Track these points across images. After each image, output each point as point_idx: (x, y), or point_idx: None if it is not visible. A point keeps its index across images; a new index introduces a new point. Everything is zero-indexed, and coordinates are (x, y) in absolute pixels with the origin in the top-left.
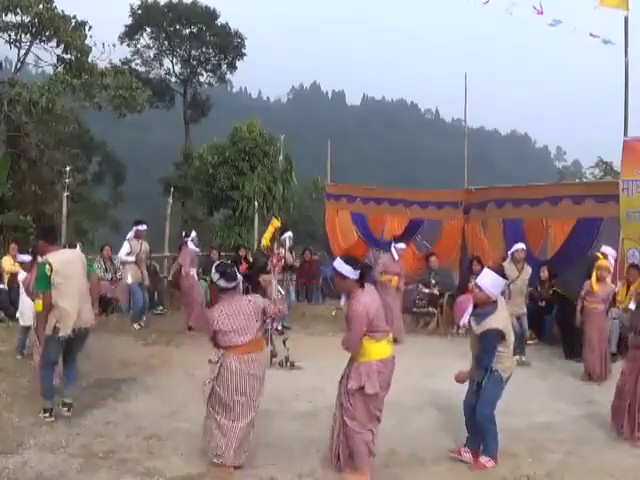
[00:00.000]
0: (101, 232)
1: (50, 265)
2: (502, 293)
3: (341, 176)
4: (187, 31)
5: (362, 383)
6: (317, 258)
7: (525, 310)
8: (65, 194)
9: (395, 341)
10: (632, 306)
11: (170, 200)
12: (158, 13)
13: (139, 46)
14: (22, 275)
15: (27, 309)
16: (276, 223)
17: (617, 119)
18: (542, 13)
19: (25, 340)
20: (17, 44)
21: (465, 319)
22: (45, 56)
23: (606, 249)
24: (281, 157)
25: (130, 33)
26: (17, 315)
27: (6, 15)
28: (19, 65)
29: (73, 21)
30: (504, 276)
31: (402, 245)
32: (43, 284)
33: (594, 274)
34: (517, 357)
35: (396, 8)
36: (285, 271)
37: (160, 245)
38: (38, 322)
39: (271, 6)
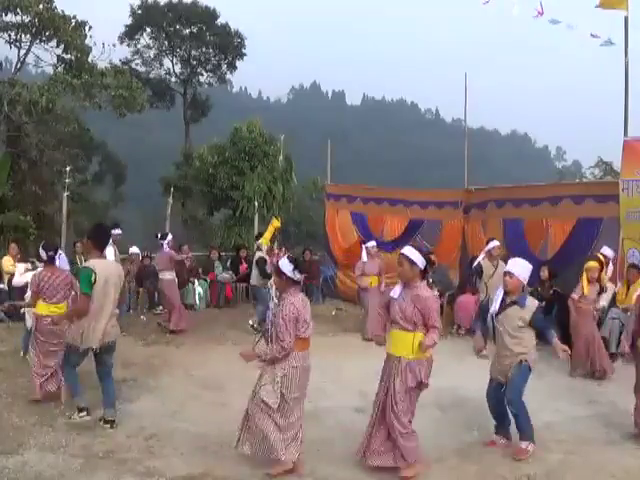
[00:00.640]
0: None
1: (95, 274)
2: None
3: (341, 176)
4: (187, 31)
5: (419, 379)
6: (317, 258)
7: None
8: (65, 194)
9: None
10: None
11: (170, 200)
12: (158, 13)
13: (139, 46)
14: (21, 276)
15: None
16: (276, 223)
17: (617, 119)
18: (542, 14)
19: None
20: (17, 44)
21: (496, 307)
22: (45, 56)
23: (605, 250)
24: (281, 157)
25: (130, 33)
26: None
27: (6, 15)
28: (19, 65)
29: (73, 21)
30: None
31: (373, 243)
32: (87, 287)
33: (584, 276)
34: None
35: (396, 8)
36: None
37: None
38: (66, 319)
39: (271, 6)
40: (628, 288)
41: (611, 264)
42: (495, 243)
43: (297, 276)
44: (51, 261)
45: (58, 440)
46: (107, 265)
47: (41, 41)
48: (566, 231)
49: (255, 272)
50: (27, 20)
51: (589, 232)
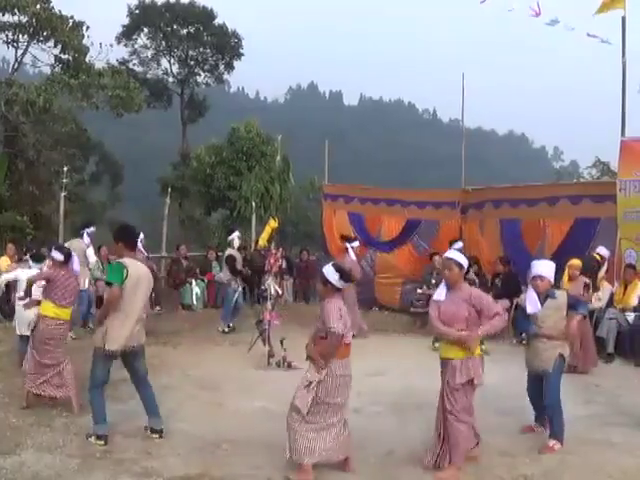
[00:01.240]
0: (98, 233)
1: (128, 272)
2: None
3: (338, 176)
4: (184, 31)
5: (472, 376)
6: (314, 258)
7: None
8: (62, 194)
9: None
10: None
11: (167, 200)
12: (155, 13)
13: (136, 46)
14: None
15: (24, 318)
16: (273, 223)
17: (615, 119)
18: (539, 14)
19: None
20: (14, 44)
21: (537, 307)
22: (42, 56)
23: (601, 250)
24: (278, 157)
25: (127, 33)
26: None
27: (3, 15)
28: (16, 65)
29: (70, 21)
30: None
31: (356, 243)
32: (118, 277)
33: (566, 272)
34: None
35: (394, 8)
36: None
37: (157, 246)
38: (102, 310)
39: (268, 6)
40: (625, 288)
41: (605, 264)
42: (459, 245)
43: (342, 284)
44: (67, 262)
45: (55, 440)
46: (139, 267)
47: (38, 41)
48: (563, 231)
49: (224, 269)
50: (24, 20)
51: (586, 232)
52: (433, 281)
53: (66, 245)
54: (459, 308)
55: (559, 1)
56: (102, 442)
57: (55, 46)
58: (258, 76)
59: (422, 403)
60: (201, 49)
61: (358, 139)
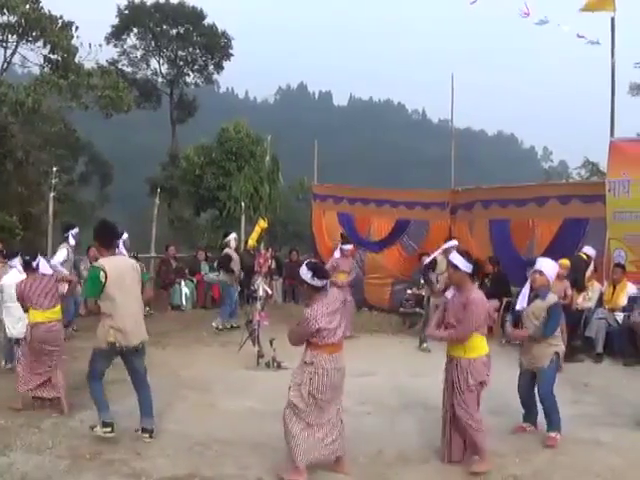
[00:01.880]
0: (87, 233)
1: (105, 272)
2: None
3: (328, 176)
4: (174, 31)
5: (483, 377)
6: (303, 259)
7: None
8: (51, 195)
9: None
10: None
11: (157, 201)
12: (145, 13)
13: (126, 46)
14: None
15: (15, 320)
16: (263, 224)
17: (603, 120)
18: (529, 14)
19: (12, 351)
20: (3, 44)
21: (524, 303)
22: (31, 56)
23: (588, 250)
24: (268, 158)
25: (117, 33)
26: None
27: None
28: (5, 65)
29: (60, 21)
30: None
31: (348, 247)
32: (94, 291)
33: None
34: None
35: (383, 8)
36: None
37: (146, 246)
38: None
39: (257, 7)
40: (614, 288)
41: (592, 264)
42: (454, 243)
43: (317, 282)
44: (28, 267)
45: (44, 441)
46: (119, 261)
47: (27, 41)
48: (552, 231)
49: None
50: (13, 20)
51: (575, 232)
52: (422, 281)
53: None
54: (458, 310)
55: (549, 2)
56: (109, 429)
57: (44, 46)
58: (248, 76)
59: (411, 403)
60: (190, 49)
61: (348, 139)
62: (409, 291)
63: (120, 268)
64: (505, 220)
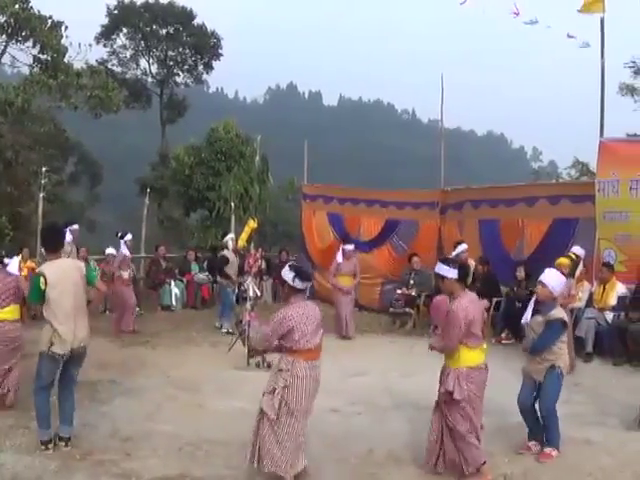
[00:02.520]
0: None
1: (45, 278)
2: None
3: (318, 176)
4: (164, 31)
5: (450, 388)
6: (293, 259)
7: None
8: (41, 195)
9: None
10: None
11: (146, 201)
12: (134, 13)
13: (115, 46)
14: None
15: None
16: (252, 224)
17: (593, 120)
18: (518, 14)
19: None
20: None
21: (528, 317)
22: (21, 56)
23: (577, 250)
24: (257, 158)
25: (106, 33)
26: None
27: None
28: None
29: (49, 21)
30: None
31: (351, 246)
32: (36, 296)
33: None
34: None
35: (373, 8)
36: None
37: (136, 246)
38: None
39: (247, 7)
40: (604, 288)
41: (581, 264)
42: (464, 247)
43: (298, 284)
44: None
45: (34, 442)
46: (60, 265)
47: (17, 41)
48: (542, 231)
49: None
50: (3, 20)
51: (565, 232)
52: (412, 282)
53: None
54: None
55: (539, 3)
56: (44, 447)
57: (34, 46)
58: (237, 76)
59: (401, 403)
60: (180, 49)
61: (337, 139)
62: (399, 291)
63: (61, 271)
64: (495, 220)
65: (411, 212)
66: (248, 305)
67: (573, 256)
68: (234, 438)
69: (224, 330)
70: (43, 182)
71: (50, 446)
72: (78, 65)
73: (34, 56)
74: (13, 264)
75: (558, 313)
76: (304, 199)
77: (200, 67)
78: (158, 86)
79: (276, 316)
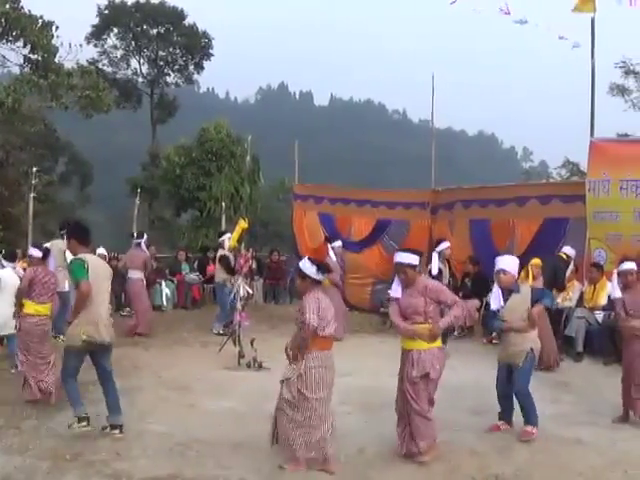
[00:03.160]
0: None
1: (88, 265)
2: None
3: (309, 177)
4: (154, 31)
5: (428, 370)
6: (284, 259)
7: None
8: (31, 195)
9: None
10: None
11: (137, 201)
12: (125, 13)
13: (106, 46)
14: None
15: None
16: (243, 224)
17: (584, 120)
18: (509, 14)
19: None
20: None
21: (500, 303)
22: (11, 56)
23: (568, 250)
24: (248, 158)
25: (97, 33)
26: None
27: None
28: None
29: (40, 21)
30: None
31: (339, 243)
32: (82, 272)
33: (530, 271)
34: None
35: (364, 10)
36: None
37: (126, 246)
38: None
39: (238, 7)
40: (595, 288)
41: (572, 264)
42: (446, 244)
43: (320, 277)
44: (44, 259)
45: (25, 442)
46: (97, 260)
47: (7, 41)
48: (532, 231)
49: (219, 269)
50: None
51: (555, 232)
52: None
53: (47, 245)
54: (417, 301)
55: (530, 3)
56: (84, 424)
57: (24, 46)
58: (228, 76)
59: (392, 402)
60: (171, 49)
61: (328, 139)
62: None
63: (97, 267)
64: (485, 220)
65: (402, 212)
66: (239, 305)
67: (564, 256)
68: (225, 438)
69: (215, 331)
70: (34, 182)
71: (89, 424)
72: (69, 65)
73: (25, 56)
74: (53, 261)
75: (526, 287)
76: (295, 199)
77: (191, 67)
78: (149, 86)
79: (307, 306)
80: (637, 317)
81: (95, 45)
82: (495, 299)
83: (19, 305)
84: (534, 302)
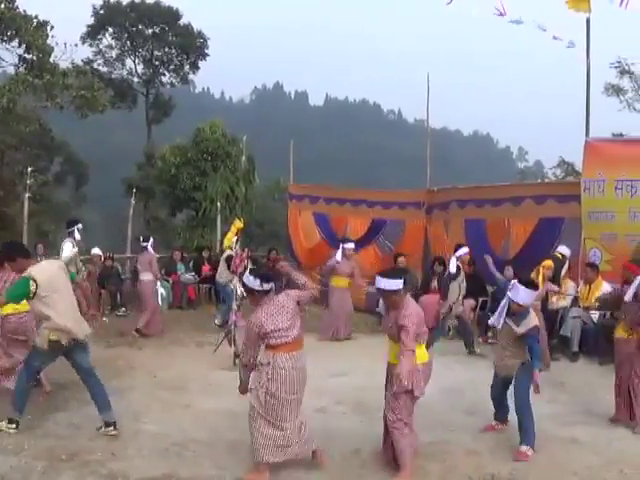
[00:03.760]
0: (62, 233)
1: (35, 281)
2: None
3: (304, 176)
4: (150, 31)
5: (410, 387)
6: (282, 258)
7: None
8: (26, 195)
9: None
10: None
11: (132, 201)
12: (120, 13)
13: (101, 46)
14: None
15: None
16: (238, 224)
17: (579, 120)
18: (504, 14)
19: None
20: None
21: (500, 322)
22: (6, 56)
23: (563, 249)
24: (244, 158)
25: (92, 33)
26: None
27: None
28: None
29: (35, 21)
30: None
31: (351, 245)
32: (16, 295)
33: (541, 272)
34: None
35: (359, 10)
36: None
37: (122, 246)
38: None
39: (233, 7)
40: (590, 287)
41: (567, 263)
42: (465, 249)
43: (266, 287)
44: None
45: (20, 443)
46: (50, 267)
47: (2, 41)
48: (527, 231)
49: (223, 269)
50: None
51: (551, 232)
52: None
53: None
54: (393, 328)
55: (525, 3)
56: (13, 426)
57: (19, 46)
58: (223, 76)
59: None
60: (166, 49)
61: (323, 139)
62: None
63: (49, 273)
64: (481, 220)
65: (397, 212)
66: (234, 305)
67: (559, 256)
68: (221, 438)
69: (217, 322)
70: (29, 182)
71: (17, 427)
72: (64, 65)
73: (20, 56)
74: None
75: (531, 322)
76: (290, 199)
77: (186, 67)
78: (144, 86)
79: (248, 327)
80: None
81: (90, 45)
82: (498, 316)
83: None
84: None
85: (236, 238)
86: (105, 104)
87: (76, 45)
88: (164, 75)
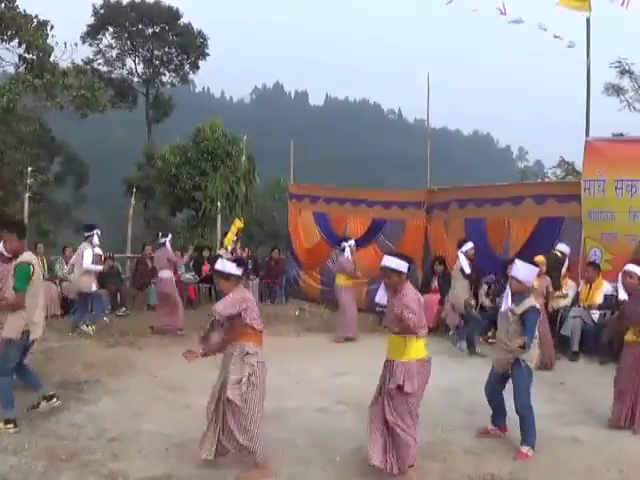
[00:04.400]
0: (63, 233)
1: (33, 267)
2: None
3: (304, 176)
4: (150, 31)
5: (400, 382)
6: (283, 258)
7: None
8: (27, 195)
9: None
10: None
11: (133, 201)
12: (121, 13)
13: (101, 46)
14: None
15: None
16: (238, 224)
17: (579, 119)
18: (505, 14)
19: None
20: None
21: (507, 305)
22: (7, 56)
23: (562, 247)
24: (244, 157)
25: (92, 33)
26: None
27: None
28: None
29: (35, 20)
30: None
31: (351, 242)
32: (25, 283)
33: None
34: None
35: (359, 8)
36: None
37: (122, 246)
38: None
39: (233, 6)
40: (590, 287)
41: (566, 261)
42: (470, 244)
43: (240, 271)
44: None
45: (21, 442)
46: (32, 255)
47: (2, 40)
48: (528, 231)
49: None
50: None
51: (551, 232)
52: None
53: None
54: (398, 313)
55: (526, 2)
56: (11, 425)
57: (19, 45)
58: (224, 76)
59: None
60: (166, 49)
61: (324, 139)
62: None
63: (37, 265)
64: (481, 219)
65: (397, 212)
66: None
67: (559, 254)
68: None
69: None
70: (29, 182)
71: (16, 425)
72: (64, 65)
73: (20, 55)
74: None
75: (530, 302)
76: (290, 199)
77: (186, 67)
78: (144, 86)
79: (232, 297)
80: None
81: (90, 45)
82: (505, 300)
83: None
84: (522, 321)
85: (236, 238)
86: (105, 104)
87: (76, 45)
88: (164, 75)
